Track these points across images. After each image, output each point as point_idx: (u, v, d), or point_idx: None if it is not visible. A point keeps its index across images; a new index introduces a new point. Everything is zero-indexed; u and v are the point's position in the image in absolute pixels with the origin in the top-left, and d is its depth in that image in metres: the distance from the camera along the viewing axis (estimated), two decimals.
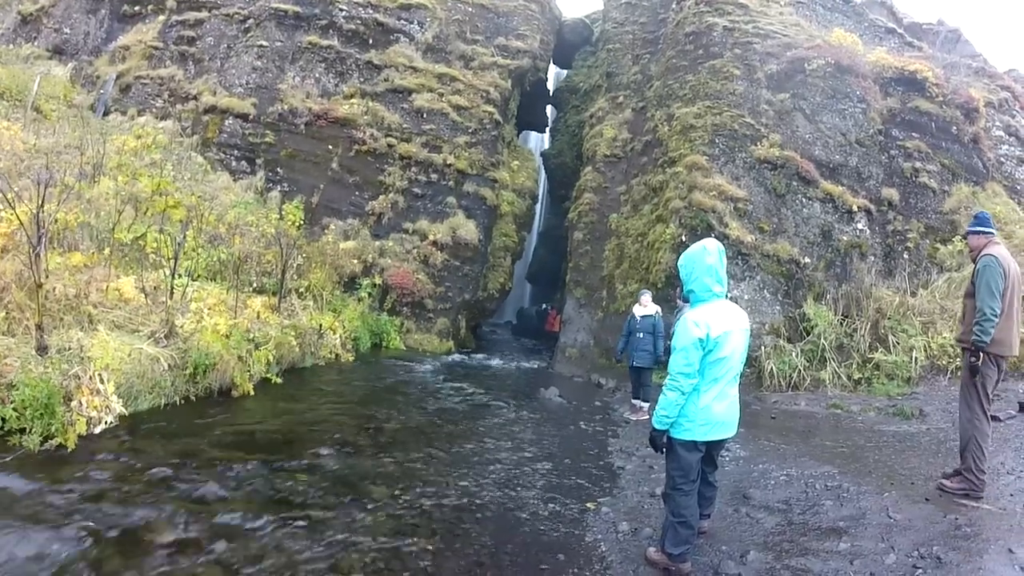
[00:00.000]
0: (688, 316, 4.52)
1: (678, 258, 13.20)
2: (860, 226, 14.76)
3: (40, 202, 6.46)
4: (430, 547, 4.78)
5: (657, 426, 4.55)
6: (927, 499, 5.55)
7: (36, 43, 21.37)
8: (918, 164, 15.77)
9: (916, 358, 11.28)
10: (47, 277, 6.90)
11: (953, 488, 5.75)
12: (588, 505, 6.09)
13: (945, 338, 11.16)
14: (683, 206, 14.40)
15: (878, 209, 15.13)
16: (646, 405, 10.39)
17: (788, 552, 4.78)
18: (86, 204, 10.21)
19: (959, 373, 6.18)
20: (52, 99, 16.91)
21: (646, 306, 10.69)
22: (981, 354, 5.50)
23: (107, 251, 9.02)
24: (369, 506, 5.37)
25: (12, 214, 6.95)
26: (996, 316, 5.45)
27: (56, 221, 8.02)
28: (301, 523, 4.83)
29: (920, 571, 4.13)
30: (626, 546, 5.17)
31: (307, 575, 4.08)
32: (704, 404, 4.46)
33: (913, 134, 16.29)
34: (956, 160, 16.26)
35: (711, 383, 4.47)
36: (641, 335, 10.46)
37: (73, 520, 4.19)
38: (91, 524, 4.19)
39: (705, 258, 4.57)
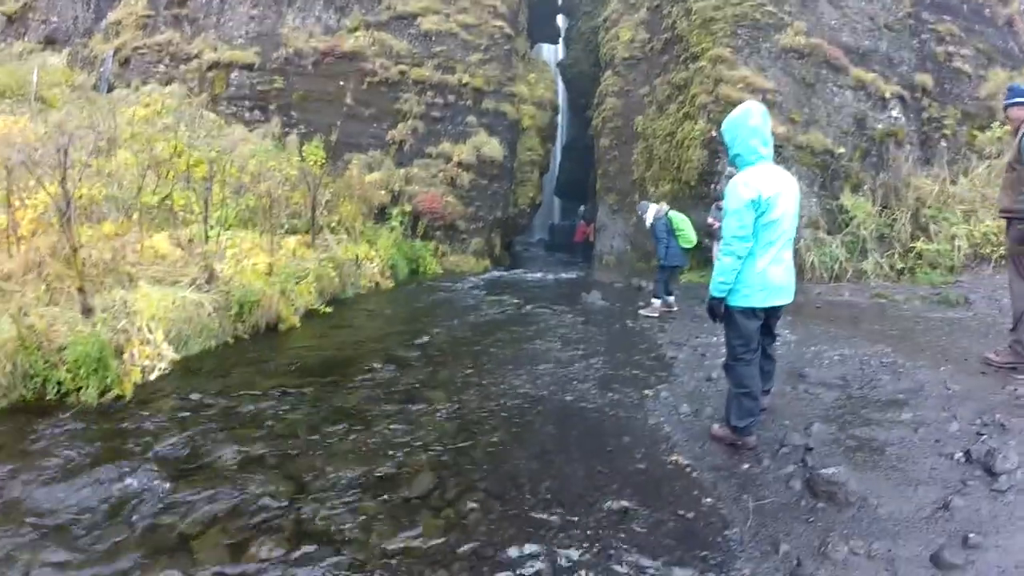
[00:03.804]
0: (736, 179, 4.37)
1: (708, 155, 12.99)
2: (895, 114, 14.22)
3: (63, 165, 6.40)
4: (495, 439, 4.82)
5: (715, 294, 4.45)
6: (983, 373, 5.48)
7: (26, 38, 21.11)
8: (951, 48, 15.07)
9: (959, 246, 11.08)
10: (81, 246, 6.91)
11: (999, 361, 5.64)
12: (646, 392, 6.05)
13: (988, 226, 10.96)
14: (710, 101, 13.91)
15: (912, 96, 14.55)
16: (656, 302, 10.35)
17: (851, 423, 4.76)
18: (106, 178, 10.21)
19: (1003, 262, 6.08)
20: (54, 87, 16.74)
21: (647, 213, 10.55)
22: None
23: (135, 216, 9.03)
24: (429, 411, 5.40)
25: (35, 199, 6.97)
26: None
27: (80, 197, 8.00)
28: (363, 432, 4.87)
29: (985, 436, 4.10)
30: (689, 426, 5.16)
31: (375, 479, 4.09)
32: (761, 268, 4.33)
33: (944, 17, 15.49)
34: (991, 44, 15.55)
35: (766, 247, 4.34)
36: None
37: (138, 456, 4.24)
38: (156, 457, 4.25)
39: (749, 119, 4.41)
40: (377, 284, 12.14)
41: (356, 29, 18.26)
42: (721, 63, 14.13)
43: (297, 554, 3.25)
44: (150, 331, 6.43)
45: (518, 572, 3.20)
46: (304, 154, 14.33)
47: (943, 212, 11.92)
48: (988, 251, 10.79)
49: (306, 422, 5.01)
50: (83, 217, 8.57)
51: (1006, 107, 5.70)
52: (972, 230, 11.19)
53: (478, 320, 9.63)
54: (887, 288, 10.62)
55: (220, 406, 5.28)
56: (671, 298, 10.42)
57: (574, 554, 3.35)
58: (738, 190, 4.29)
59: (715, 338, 7.93)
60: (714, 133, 13.26)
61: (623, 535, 3.55)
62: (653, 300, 10.38)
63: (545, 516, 3.72)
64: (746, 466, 4.37)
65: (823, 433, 4.63)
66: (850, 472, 3.94)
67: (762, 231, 4.31)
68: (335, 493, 3.87)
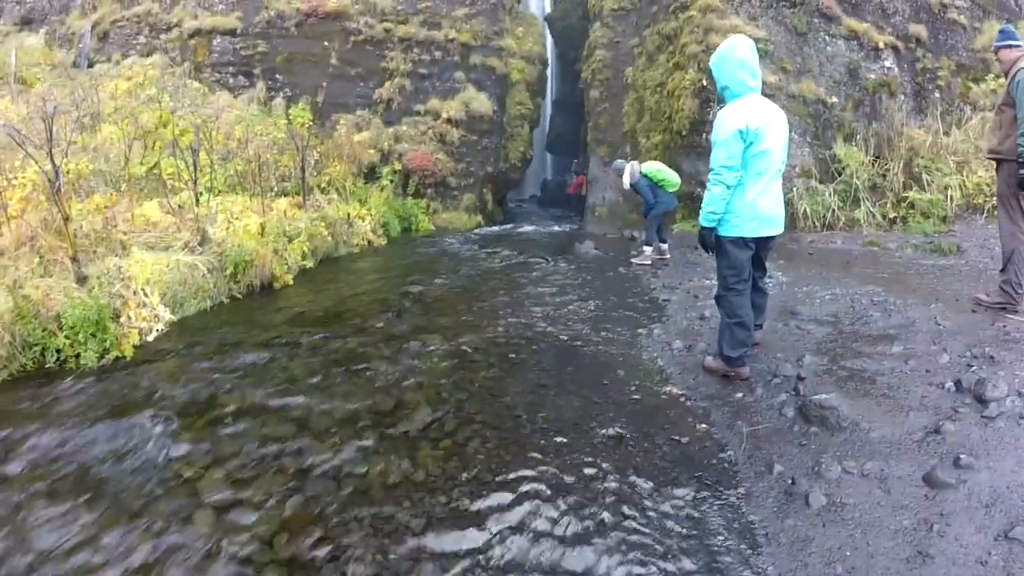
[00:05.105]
0: (725, 110, 4.42)
1: (699, 104, 12.89)
2: (888, 64, 14.00)
3: (50, 135, 6.35)
4: (491, 376, 4.90)
5: (705, 224, 4.51)
6: (973, 311, 5.58)
7: (1, 22, 20.69)
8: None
9: (951, 197, 11.07)
10: (72, 217, 6.90)
11: (989, 301, 5.72)
12: (639, 331, 6.14)
13: (980, 177, 10.94)
14: (701, 50, 13.67)
15: (906, 47, 14.28)
16: (647, 249, 10.39)
17: (842, 355, 4.83)
18: (92, 153, 10.13)
19: (995, 212, 6.17)
20: (33, 67, 16.39)
21: (623, 175, 10.63)
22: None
23: (124, 187, 8.99)
24: (426, 352, 5.45)
25: (22, 178, 6.96)
26: None
27: (68, 172, 7.96)
28: (363, 374, 4.93)
29: (975, 368, 4.17)
30: (682, 360, 5.27)
31: (374, 417, 4.15)
32: (750, 199, 4.39)
33: None
34: None
35: (755, 177, 4.39)
36: None
37: (139, 408, 4.26)
38: (157, 408, 4.26)
39: (736, 51, 4.45)
40: (370, 242, 12.12)
41: None
42: (711, 12, 13.88)
43: (299, 488, 3.31)
44: (146, 294, 6.45)
45: (517, 493, 3.27)
46: (291, 117, 14.20)
47: (936, 162, 11.87)
48: (981, 201, 10.80)
49: (305, 368, 5.05)
50: (71, 192, 8.54)
51: (996, 49, 5.72)
52: (965, 180, 11.19)
53: (473, 271, 9.66)
54: (879, 236, 10.66)
55: (218, 359, 5.30)
56: (664, 245, 10.47)
57: (572, 476, 3.43)
58: (726, 120, 4.33)
59: (708, 281, 7.98)
60: (704, 82, 13.18)
61: (619, 459, 3.63)
62: (645, 248, 10.40)
63: (542, 443, 3.80)
64: (739, 395, 4.47)
65: (815, 364, 4.70)
66: (842, 399, 4.02)
67: (752, 161, 4.36)
68: (335, 432, 3.93)
